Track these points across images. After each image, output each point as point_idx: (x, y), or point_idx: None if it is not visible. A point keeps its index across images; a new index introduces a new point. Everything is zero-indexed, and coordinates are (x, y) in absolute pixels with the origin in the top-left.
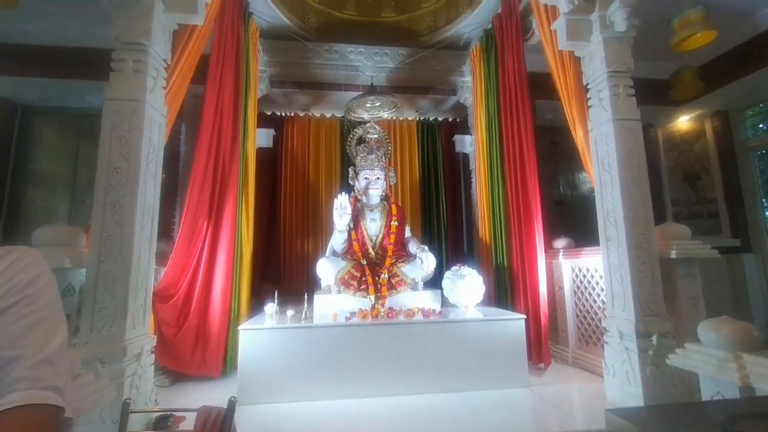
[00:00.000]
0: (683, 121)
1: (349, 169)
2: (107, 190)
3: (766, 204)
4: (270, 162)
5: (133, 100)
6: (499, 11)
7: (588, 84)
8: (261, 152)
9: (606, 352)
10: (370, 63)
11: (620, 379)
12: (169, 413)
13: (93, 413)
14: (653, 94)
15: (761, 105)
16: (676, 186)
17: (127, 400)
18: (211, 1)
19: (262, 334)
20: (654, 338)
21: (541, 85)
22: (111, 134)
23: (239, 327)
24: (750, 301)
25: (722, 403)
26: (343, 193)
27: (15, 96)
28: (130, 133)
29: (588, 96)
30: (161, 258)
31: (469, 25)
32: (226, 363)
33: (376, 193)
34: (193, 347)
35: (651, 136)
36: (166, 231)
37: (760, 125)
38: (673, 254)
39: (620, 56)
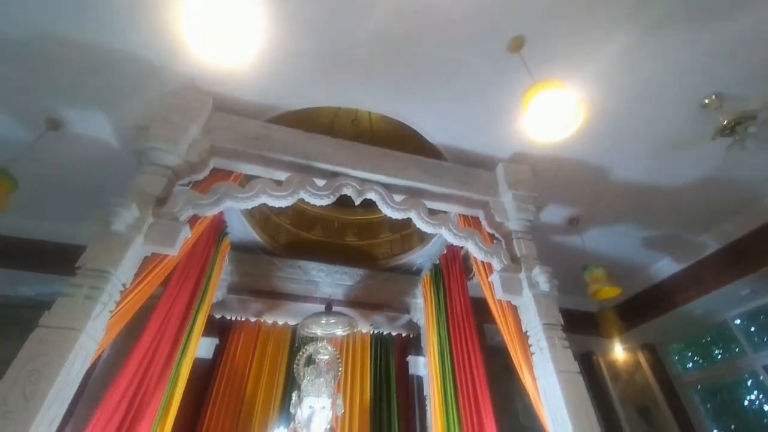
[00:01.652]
0: (619, 352)
1: (293, 395)
2: None
3: None
4: (204, 378)
5: (69, 329)
6: (445, 252)
7: (527, 331)
8: (197, 364)
9: None
10: (330, 279)
11: None
12: None
13: None
14: (588, 324)
15: (682, 342)
16: (631, 419)
17: None
18: (191, 235)
19: None
20: None
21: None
22: (24, 366)
23: None
24: None
25: None
26: (282, 427)
27: None
28: (46, 367)
29: (529, 343)
30: None
31: (421, 256)
32: None
33: (319, 429)
34: None
35: (594, 364)
36: None
37: (689, 365)
38: None
39: (550, 311)
